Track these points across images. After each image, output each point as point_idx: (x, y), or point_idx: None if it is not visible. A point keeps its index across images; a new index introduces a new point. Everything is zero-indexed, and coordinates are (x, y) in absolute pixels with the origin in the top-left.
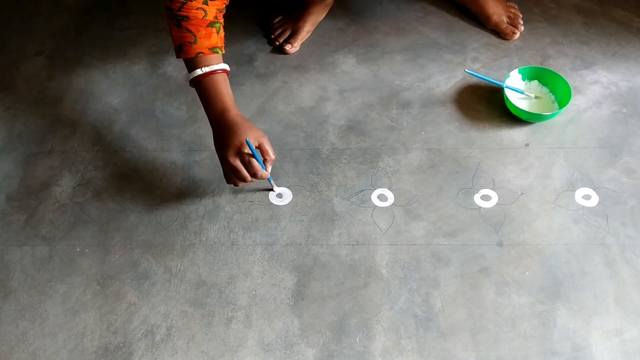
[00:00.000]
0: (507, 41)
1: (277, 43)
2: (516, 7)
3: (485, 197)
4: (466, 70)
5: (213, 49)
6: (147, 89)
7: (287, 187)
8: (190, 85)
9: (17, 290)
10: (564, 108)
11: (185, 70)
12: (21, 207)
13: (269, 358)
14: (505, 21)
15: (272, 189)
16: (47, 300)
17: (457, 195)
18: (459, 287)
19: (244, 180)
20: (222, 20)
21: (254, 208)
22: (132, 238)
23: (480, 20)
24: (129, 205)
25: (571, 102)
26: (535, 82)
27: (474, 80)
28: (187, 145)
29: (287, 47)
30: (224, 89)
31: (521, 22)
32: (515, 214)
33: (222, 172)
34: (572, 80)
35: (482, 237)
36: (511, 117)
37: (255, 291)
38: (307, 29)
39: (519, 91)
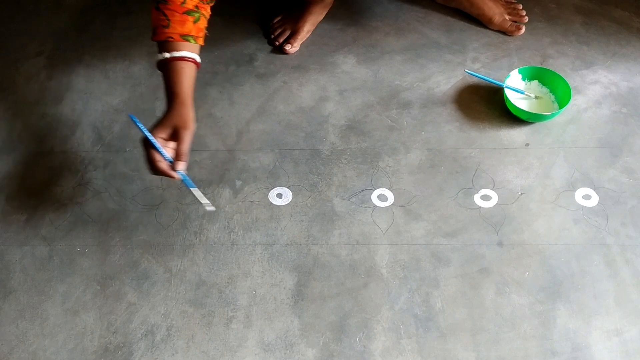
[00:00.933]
0: (507, 41)
1: (277, 43)
2: (513, 0)
3: (485, 197)
4: (466, 70)
5: (185, 37)
6: (147, 89)
7: (287, 187)
8: (157, 68)
9: (17, 290)
10: (564, 108)
11: None
12: (21, 207)
13: (269, 358)
14: (508, 19)
15: (200, 202)
16: (47, 300)
17: (457, 195)
18: (459, 287)
19: (152, 171)
20: (206, 12)
21: (254, 208)
22: (132, 238)
23: (482, 23)
24: (129, 205)
25: (571, 102)
26: (535, 82)
27: (474, 80)
28: None
29: (287, 47)
30: (183, 79)
31: (523, 13)
32: (515, 214)
33: (222, 172)
34: (572, 80)
35: (482, 237)
36: (511, 117)
37: (255, 291)
38: (307, 29)
39: (519, 91)
